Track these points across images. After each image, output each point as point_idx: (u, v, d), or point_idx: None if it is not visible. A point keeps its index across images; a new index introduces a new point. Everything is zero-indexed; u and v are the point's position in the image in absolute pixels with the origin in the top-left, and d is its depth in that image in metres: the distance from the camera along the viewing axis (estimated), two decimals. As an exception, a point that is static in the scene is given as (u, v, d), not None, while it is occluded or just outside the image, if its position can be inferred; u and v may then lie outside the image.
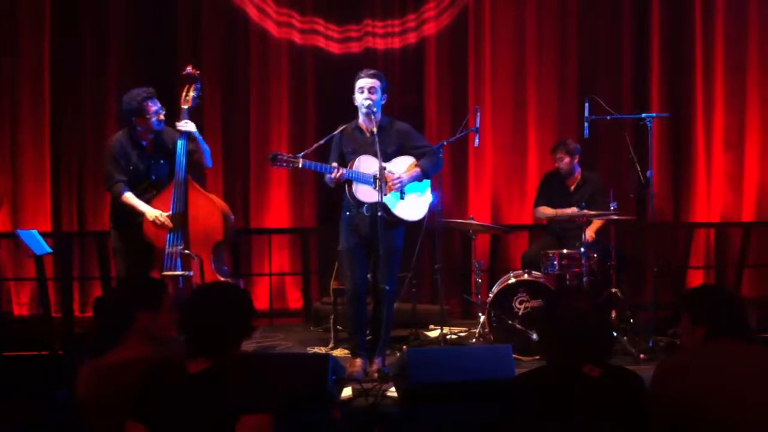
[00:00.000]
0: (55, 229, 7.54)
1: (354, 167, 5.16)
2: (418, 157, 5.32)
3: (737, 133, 7.78)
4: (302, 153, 5.16)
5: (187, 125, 5.30)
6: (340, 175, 5.07)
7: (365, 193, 5.17)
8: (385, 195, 5.10)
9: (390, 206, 5.17)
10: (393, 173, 5.19)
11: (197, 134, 5.36)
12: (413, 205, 5.32)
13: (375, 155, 5.06)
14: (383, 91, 5.27)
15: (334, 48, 7.75)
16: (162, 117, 5.31)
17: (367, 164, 5.17)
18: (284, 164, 5.11)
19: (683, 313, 2.97)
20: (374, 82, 5.21)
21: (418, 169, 5.27)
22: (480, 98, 7.61)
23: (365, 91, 5.20)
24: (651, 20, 7.76)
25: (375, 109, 5.19)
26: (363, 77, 5.23)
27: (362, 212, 5.22)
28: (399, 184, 5.20)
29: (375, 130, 5.13)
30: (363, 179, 5.14)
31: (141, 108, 5.22)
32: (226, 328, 2.74)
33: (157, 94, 5.30)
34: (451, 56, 7.81)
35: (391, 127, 5.31)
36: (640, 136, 6.51)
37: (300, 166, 5.11)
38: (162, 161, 5.39)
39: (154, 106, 5.26)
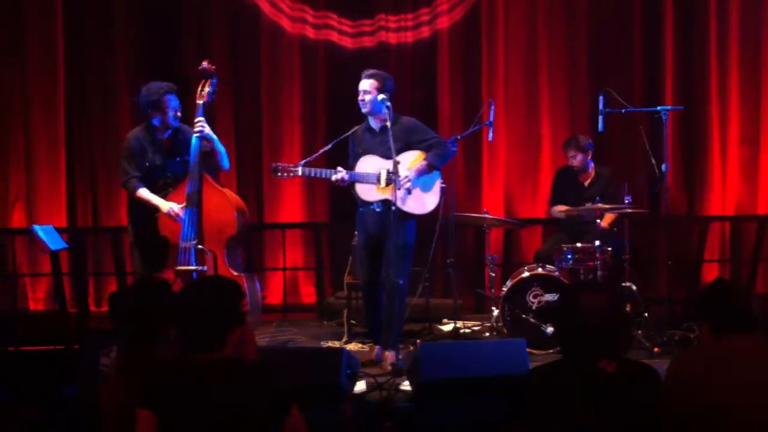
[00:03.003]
0: (70, 224, 7.58)
1: (356, 169, 5.31)
2: (426, 150, 5.35)
3: (753, 126, 7.72)
4: (303, 161, 5.43)
5: (204, 127, 5.30)
6: (340, 180, 5.26)
7: (367, 193, 5.31)
8: (386, 189, 5.22)
9: (397, 202, 5.21)
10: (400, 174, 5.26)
11: (212, 136, 5.36)
12: (421, 198, 5.35)
13: (380, 155, 5.24)
14: (381, 90, 5.30)
15: (347, 42, 7.74)
16: (179, 114, 5.34)
17: (367, 164, 5.31)
18: (285, 174, 5.37)
19: (693, 314, 2.99)
20: (368, 83, 5.31)
21: (424, 162, 5.31)
22: (493, 93, 7.58)
23: (360, 93, 5.33)
24: (664, 13, 7.70)
25: (370, 108, 5.31)
26: (362, 79, 5.35)
27: (373, 208, 5.32)
28: (408, 182, 5.25)
29: (377, 129, 5.32)
30: (364, 179, 5.29)
31: (160, 101, 5.24)
32: (206, 322, 2.77)
33: (176, 90, 5.32)
34: (464, 50, 7.78)
35: (395, 124, 5.33)
36: (654, 130, 6.48)
37: (300, 174, 5.34)
38: (179, 159, 5.40)
39: (172, 101, 5.29)
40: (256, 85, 7.72)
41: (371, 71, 5.36)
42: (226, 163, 5.49)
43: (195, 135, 5.28)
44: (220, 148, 5.43)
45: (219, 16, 7.64)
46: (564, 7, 7.74)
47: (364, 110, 5.34)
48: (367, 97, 5.29)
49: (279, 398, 2.71)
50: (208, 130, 5.32)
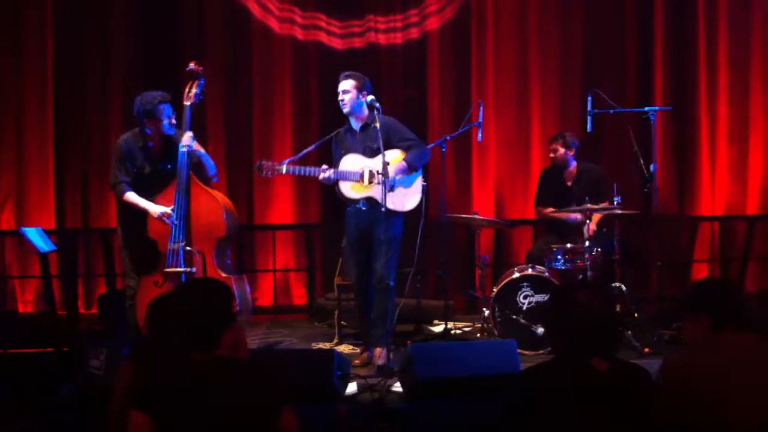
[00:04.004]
0: (59, 226, 7.54)
1: (340, 167, 5.37)
2: (405, 150, 5.39)
3: (741, 126, 7.76)
4: (288, 159, 5.49)
5: (191, 143, 5.28)
6: (326, 178, 5.33)
7: (350, 190, 5.38)
8: (369, 187, 5.30)
9: (378, 198, 5.23)
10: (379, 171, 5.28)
11: (200, 152, 5.38)
12: (403, 196, 5.38)
13: (362, 154, 5.33)
14: (359, 90, 5.36)
15: (337, 44, 7.73)
16: (174, 122, 5.34)
17: (350, 162, 5.38)
18: (269, 173, 5.39)
19: (686, 307, 2.97)
20: (347, 83, 5.38)
21: (403, 163, 5.34)
22: (483, 93, 7.59)
23: (340, 94, 5.40)
24: (654, 13, 7.73)
25: (350, 108, 5.38)
26: (340, 81, 5.41)
27: (360, 207, 5.38)
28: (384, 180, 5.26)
29: (358, 129, 5.40)
30: (348, 177, 5.35)
31: (154, 110, 5.25)
32: (195, 323, 2.75)
33: (170, 99, 5.33)
34: (453, 51, 7.79)
35: (374, 123, 5.33)
36: (643, 130, 6.51)
37: (284, 172, 5.37)
38: (169, 166, 5.40)
39: (166, 111, 5.30)
40: (247, 87, 7.70)
41: (348, 72, 5.43)
42: (213, 174, 5.51)
43: (182, 150, 5.28)
44: (208, 161, 5.46)
45: (215, 19, 7.62)
46: (555, 6, 7.77)
47: (344, 110, 5.40)
48: (347, 97, 5.35)
49: (272, 398, 2.71)
50: (195, 145, 5.33)
